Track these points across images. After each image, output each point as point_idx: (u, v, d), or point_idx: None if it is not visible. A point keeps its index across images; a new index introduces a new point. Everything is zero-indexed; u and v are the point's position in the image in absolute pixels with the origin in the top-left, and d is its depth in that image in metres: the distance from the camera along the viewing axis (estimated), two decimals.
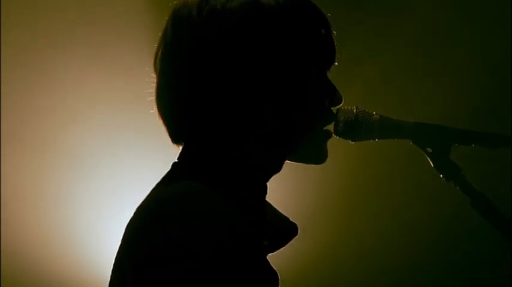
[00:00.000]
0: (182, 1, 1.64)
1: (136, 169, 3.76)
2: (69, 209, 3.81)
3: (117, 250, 1.57)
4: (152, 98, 1.66)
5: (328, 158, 1.70)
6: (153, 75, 1.66)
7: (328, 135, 1.70)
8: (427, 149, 1.76)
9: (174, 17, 1.64)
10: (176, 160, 1.65)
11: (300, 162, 1.70)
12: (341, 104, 1.71)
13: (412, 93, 3.87)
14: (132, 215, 1.57)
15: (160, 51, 1.64)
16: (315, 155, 1.69)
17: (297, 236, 1.71)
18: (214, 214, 1.47)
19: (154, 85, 1.65)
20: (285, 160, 1.67)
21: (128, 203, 3.63)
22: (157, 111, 1.65)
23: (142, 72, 1.71)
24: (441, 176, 1.76)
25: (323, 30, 1.65)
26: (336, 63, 1.69)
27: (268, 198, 1.70)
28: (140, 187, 3.60)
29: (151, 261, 1.45)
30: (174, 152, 1.68)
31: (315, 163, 1.70)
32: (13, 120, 3.80)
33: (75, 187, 3.82)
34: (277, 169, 1.67)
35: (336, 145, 1.72)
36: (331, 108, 1.70)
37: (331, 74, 1.69)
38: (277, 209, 1.73)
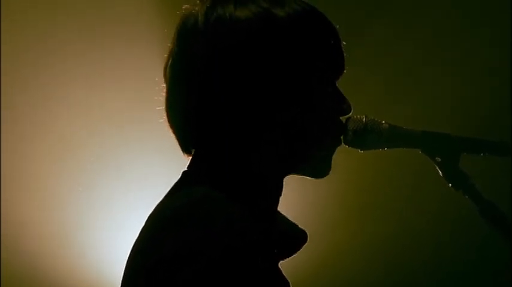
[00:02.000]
0: (189, 10, 1.64)
1: (145, 175, 3.76)
2: (75, 214, 3.81)
3: (128, 255, 1.57)
4: (162, 107, 1.66)
5: (333, 166, 1.70)
6: (163, 85, 1.66)
7: (338, 142, 1.70)
8: (436, 158, 1.76)
9: (181, 27, 1.64)
10: (186, 169, 1.66)
11: (303, 174, 1.69)
12: (350, 113, 1.71)
13: (420, 102, 3.86)
14: (144, 222, 1.58)
15: (169, 61, 1.65)
16: (319, 168, 1.69)
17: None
18: (226, 219, 1.47)
19: (164, 95, 1.66)
20: (296, 168, 1.67)
21: (136, 209, 3.65)
22: (167, 120, 1.66)
23: (151, 76, 1.71)
24: (450, 185, 1.76)
25: (332, 40, 1.66)
26: (344, 71, 1.69)
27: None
28: (148, 193, 3.62)
29: (162, 265, 1.45)
30: (183, 158, 1.68)
31: (317, 176, 1.69)
32: (16, 126, 3.79)
33: (83, 192, 3.81)
34: (287, 172, 1.67)
35: (341, 153, 1.71)
36: (341, 117, 1.70)
37: (340, 84, 1.69)
38: (286, 216, 1.73)
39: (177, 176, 1.66)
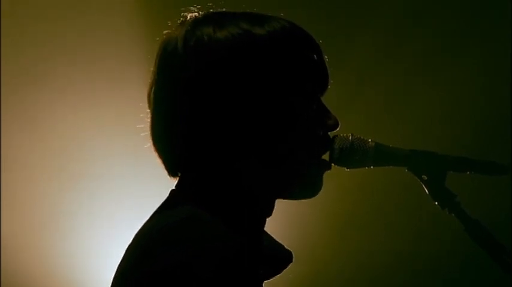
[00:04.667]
0: (169, 34, 1.65)
1: (135, 195, 3.76)
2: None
3: (113, 276, 1.58)
4: (147, 132, 1.67)
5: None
6: (148, 110, 1.67)
7: (327, 166, 1.70)
8: (422, 176, 1.76)
9: (161, 51, 1.65)
10: (174, 188, 1.66)
11: (292, 198, 1.69)
12: (338, 129, 1.71)
13: (413, 117, 3.85)
14: (130, 241, 1.58)
15: (152, 86, 1.65)
16: (309, 187, 1.68)
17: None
18: (212, 237, 1.48)
19: (148, 120, 1.67)
20: (283, 187, 1.67)
21: (126, 229, 3.65)
22: (152, 145, 1.66)
23: (142, 95, 1.71)
24: (436, 203, 1.76)
25: (314, 55, 1.66)
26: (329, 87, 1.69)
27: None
28: (138, 214, 3.61)
29: (157, 278, 1.45)
30: (171, 178, 1.68)
31: (308, 196, 1.69)
32: (13, 145, 3.81)
33: (74, 214, 3.83)
34: (275, 195, 1.68)
35: (328, 172, 1.71)
36: (329, 134, 1.71)
37: (333, 100, 1.69)
38: (272, 235, 1.74)
39: (168, 189, 1.67)
